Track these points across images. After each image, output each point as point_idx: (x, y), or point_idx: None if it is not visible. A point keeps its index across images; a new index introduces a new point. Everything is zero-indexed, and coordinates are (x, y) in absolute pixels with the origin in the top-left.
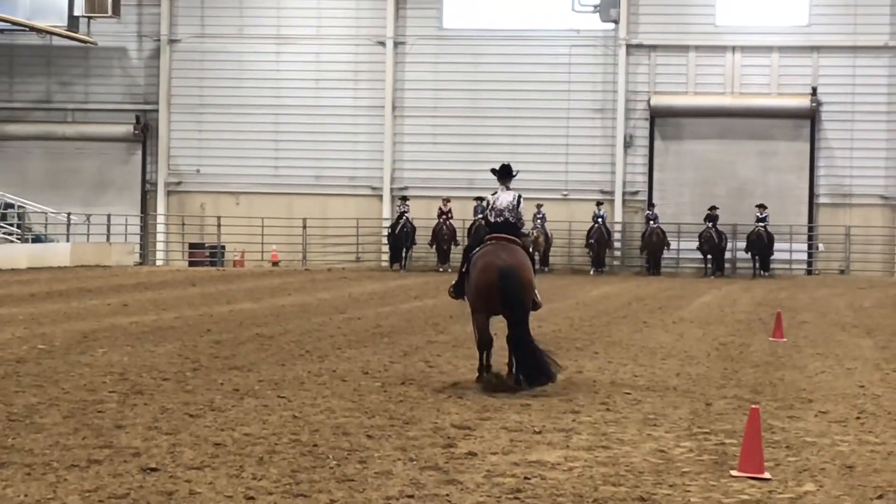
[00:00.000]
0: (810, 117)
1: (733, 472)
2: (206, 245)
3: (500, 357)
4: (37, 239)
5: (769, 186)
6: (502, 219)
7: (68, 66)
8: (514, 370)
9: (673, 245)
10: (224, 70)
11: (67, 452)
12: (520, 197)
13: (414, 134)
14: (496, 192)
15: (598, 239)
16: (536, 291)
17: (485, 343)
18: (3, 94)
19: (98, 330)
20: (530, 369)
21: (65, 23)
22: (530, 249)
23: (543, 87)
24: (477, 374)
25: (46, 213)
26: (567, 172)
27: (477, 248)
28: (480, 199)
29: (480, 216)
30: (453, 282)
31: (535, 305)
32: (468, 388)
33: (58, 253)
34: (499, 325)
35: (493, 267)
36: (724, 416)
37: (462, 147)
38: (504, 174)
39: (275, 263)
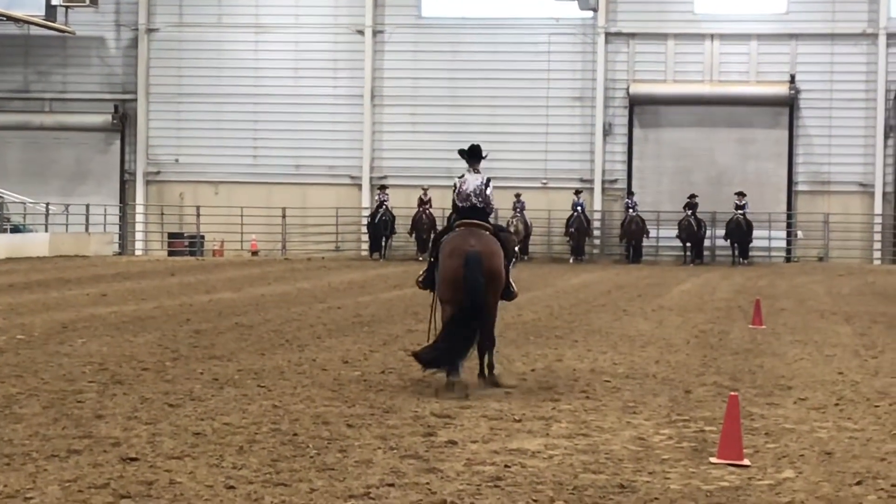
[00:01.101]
0: (789, 105)
1: (713, 459)
2: (186, 235)
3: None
4: (15, 229)
5: (748, 174)
6: (469, 204)
7: (46, 56)
8: (484, 368)
9: (652, 233)
10: (202, 59)
11: (47, 443)
12: (488, 180)
13: (393, 123)
14: (463, 176)
15: (578, 227)
16: (512, 280)
17: None
18: None
19: (77, 320)
20: (449, 351)
21: (42, 12)
22: (515, 246)
23: (522, 76)
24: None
25: (25, 203)
26: (546, 161)
27: (446, 236)
28: None
29: None
30: (422, 272)
31: (511, 295)
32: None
33: (36, 243)
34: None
35: (460, 253)
36: (703, 403)
37: (441, 136)
38: (473, 156)
39: (254, 253)
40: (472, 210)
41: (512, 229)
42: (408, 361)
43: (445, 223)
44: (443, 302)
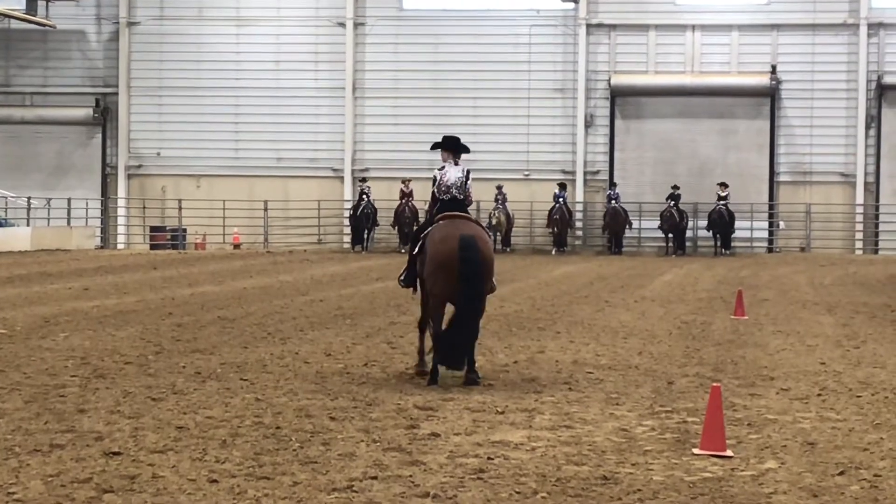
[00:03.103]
0: (770, 95)
1: (695, 451)
2: (168, 228)
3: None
4: None
5: (730, 165)
6: (449, 196)
7: (27, 50)
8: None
9: (634, 224)
10: (184, 52)
11: (30, 437)
12: (468, 172)
13: (375, 115)
14: (444, 168)
15: (560, 218)
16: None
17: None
18: None
19: (59, 314)
20: (452, 348)
21: (23, 6)
22: (490, 235)
23: (504, 68)
24: (428, 376)
25: (6, 198)
26: (528, 153)
27: (429, 228)
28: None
29: None
30: (403, 270)
31: (492, 288)
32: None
33: (18, 237)
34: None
35: (453, 237)
36: (685, 394)
37: (423, 128)
38: (451, 147)
39: (236, 246)
40: (452, 202)
41: (494, 221)
42: (390, 354)
43: (426, 215)
44: (433, 294)
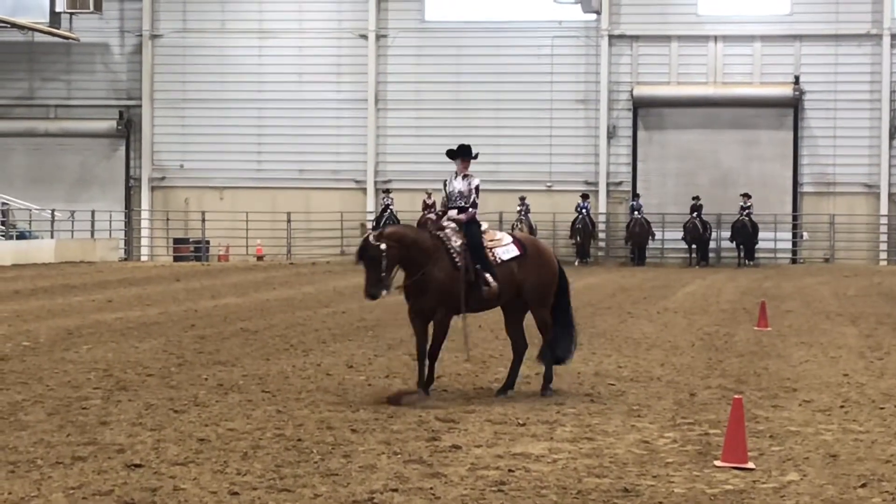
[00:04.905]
0: (793, 106)
1: (717, 463)
2: (191, 240)
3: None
4: (21, 235)
5: (753, 176)
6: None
7: (50, 63)
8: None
9: (658, 235)
10: (207, 65)
11: (52, 450)
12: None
13: (397, 127)
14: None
15: (583, 229)
16: None
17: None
18: None
19: (82, 326)
20: (569, 346)
21: (47, 19)
22: None
23: (526, 79)
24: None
25: (30, 210)
26: (551, 164)
27: (506, 240)
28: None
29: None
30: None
31: None
32: (452, 382)
33: (42, 249)
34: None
35: (553, 255)
36: (708, 406)
37: (445, 139)
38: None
39: (259, 258)
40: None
41: (517, 232)
42: (412, 366)
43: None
44: (545, 305)
